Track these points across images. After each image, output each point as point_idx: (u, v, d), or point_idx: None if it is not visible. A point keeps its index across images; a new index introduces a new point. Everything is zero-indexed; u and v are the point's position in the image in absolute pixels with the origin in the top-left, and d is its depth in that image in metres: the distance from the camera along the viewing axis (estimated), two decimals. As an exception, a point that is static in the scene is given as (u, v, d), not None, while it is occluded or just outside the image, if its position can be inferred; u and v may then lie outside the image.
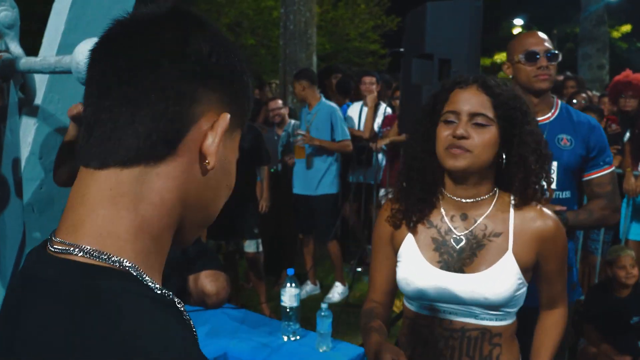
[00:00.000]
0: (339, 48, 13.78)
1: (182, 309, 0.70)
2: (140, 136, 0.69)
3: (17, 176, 2.50)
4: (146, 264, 0.69)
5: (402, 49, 3.67)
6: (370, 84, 5.65)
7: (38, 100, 2.61)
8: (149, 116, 0.69)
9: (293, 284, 3.28)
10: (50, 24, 2.65)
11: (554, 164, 2.31)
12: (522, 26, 19.06)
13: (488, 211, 1.58)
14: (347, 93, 6.12)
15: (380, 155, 5.61)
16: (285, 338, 3.30)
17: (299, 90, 5.14)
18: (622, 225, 4.68)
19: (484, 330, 1.56)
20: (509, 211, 1.58)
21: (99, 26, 2.55)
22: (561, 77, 6.56)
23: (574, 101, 5.33)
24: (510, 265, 1.54)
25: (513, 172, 1.56)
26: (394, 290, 1.74)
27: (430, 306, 1.59)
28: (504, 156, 1.54)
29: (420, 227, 1.62)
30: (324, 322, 2.89)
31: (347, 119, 5.67)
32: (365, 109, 5.57)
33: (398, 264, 1.65)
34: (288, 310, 3.28)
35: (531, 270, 1.59)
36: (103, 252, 0.67)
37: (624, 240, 4.64)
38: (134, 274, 0.67)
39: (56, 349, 0.62)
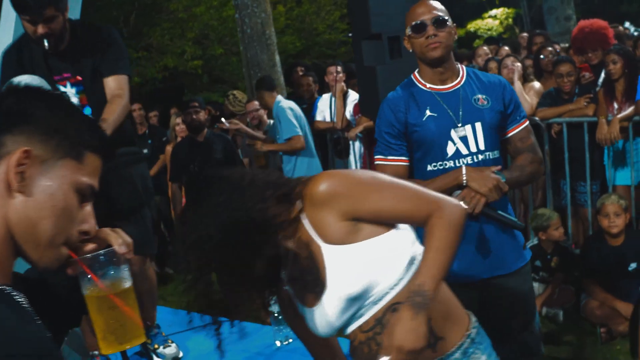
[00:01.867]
0: (309, 44, 13.71)
1: (19, 299, 0.91)
2: None
3: None
4: None
5: (350, 34, 3.62)
6: (336, 73, 5.59)
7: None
8: None
9: (277, 288, 3.23)
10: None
11: (478, 124, 2.27)
12: (489, -9, 18.97)
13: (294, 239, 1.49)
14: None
15: (357, 144, 5.56)
16: (278, 343, 3.26)
17: (260, 100, 5.20)
18: (607, 173, 4.62)
19: (391, 307, 1.47)
20: (300, 216, 1.48)
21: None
22: (525, 35, 6.49)
23: (542, 56, 5.25)
24: (339, 255, 1.44)
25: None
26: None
27: (342, 328, 1.54)
28: None
29: (286, 288, 1.58)
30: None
31: (319, 112, 5.63)
32: (335, 100, 5.52)
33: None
34: (277, 314, 3.23)
35: (358, 232, 1.45)
36: None
37: (612, 187, 4.58)
38: None
39: None
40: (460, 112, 2.26)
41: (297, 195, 1.49)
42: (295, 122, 5.09)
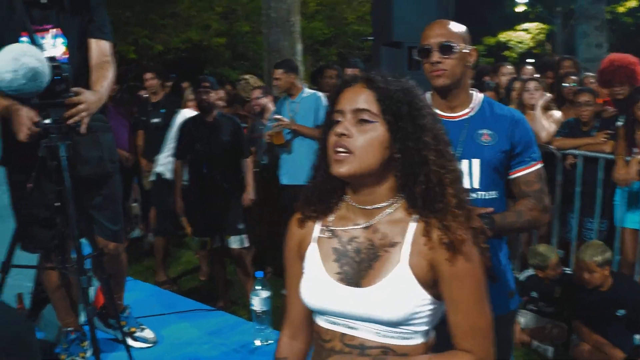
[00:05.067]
0: (337, 32, 13.57)
1: None
2: None
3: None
4: None
5: (371, 37, 3.53)
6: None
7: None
8: None
9: (263, 288, 3.16)
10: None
11: (476, 161, 2.13)
12: (525, 4, 18.67)
13: (388, 219, 1.46)
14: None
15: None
16: (258, 342, 3.19)
17: (285, 78, 4.98)
18: (616, 213, 4.51)
19: (386, 349, 1.44)
20: (410, 218, 1.45)
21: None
22: (557, 58, 6.34)
23: (564, 84, 5.13)
24: (405, 278, 1.40)
25: (413, 172, 1.43)
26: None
27: (333, 320, 1.49)
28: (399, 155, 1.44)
29: (323, 236, 1.54)
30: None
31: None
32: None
33: (303, 276, 1.55)
34: (260, 313, 3.17)
35: (430, 286, 1.43)
36: None
37: (620, 229, 4.48)
38: None
39: None
40: (460, 146, 2.13)
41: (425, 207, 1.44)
42: None
